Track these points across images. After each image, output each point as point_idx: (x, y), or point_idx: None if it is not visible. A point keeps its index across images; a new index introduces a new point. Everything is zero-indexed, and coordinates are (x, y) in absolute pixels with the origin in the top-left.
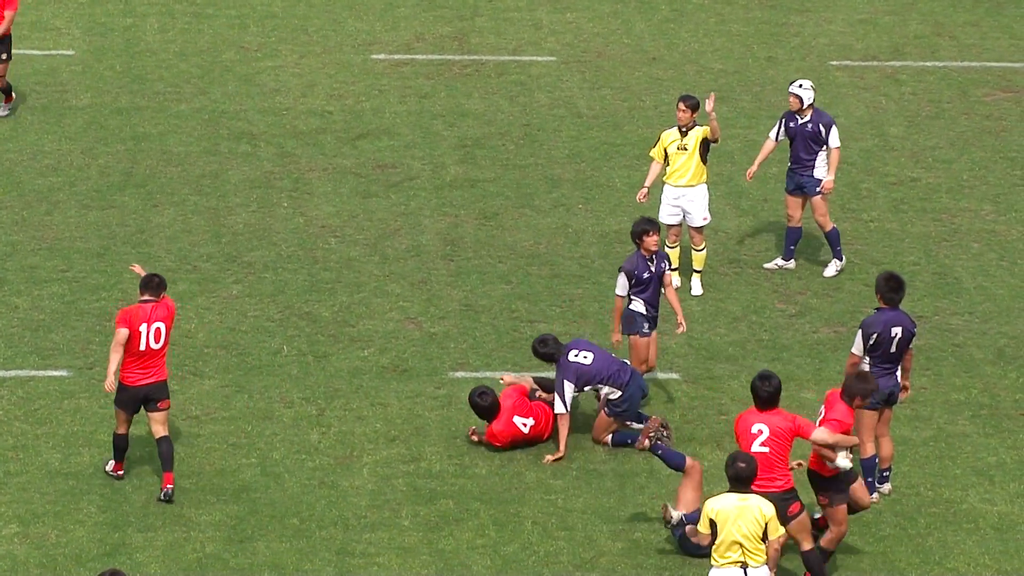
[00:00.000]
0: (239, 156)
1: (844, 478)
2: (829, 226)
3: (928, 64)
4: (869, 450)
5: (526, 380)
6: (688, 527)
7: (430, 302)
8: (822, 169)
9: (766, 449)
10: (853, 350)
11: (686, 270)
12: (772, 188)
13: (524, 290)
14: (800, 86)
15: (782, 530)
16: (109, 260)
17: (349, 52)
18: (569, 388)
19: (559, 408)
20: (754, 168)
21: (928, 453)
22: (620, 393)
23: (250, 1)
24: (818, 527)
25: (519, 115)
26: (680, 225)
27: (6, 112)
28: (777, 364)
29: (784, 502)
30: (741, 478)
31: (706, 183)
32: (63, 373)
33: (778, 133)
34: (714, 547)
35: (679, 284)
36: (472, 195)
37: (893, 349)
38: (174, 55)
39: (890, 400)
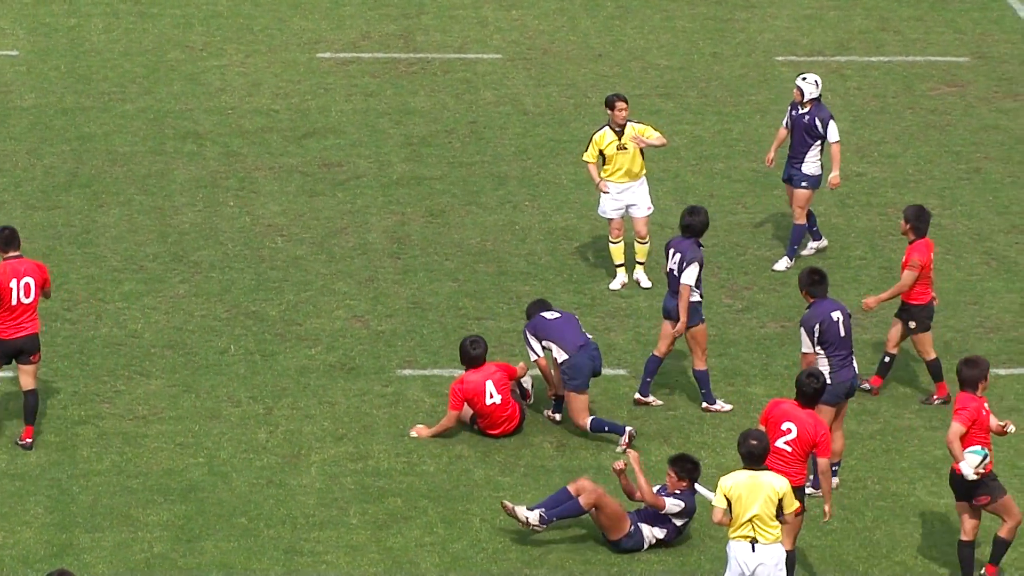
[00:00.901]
0: (185, 155)
1: (990, 474)
2: (800, 220)
3: (873, 59)
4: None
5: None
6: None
7: (377, 300)
8: (811, 164)
9: (788, 448)
10: (804, 350)
11: (631, 264)
12: (718, 183)
13: (471, 287)
14: (803, 79)
15: (797, 503)
16: (55, 260)
17: (295, 51)
18: (532, 338)
19: (531, 355)
20: (771, 154)
21: (875, 447)
22: (566, 357)
23: (195, 0)
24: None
25: (465, 112)
26: (623, 219)
27: None
28: (724, 359)
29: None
30: (754, 455)
31: (645, 173)
32: (9, 374)
33: (786, 122)
34: (731, 522)
35: (626, 280)
36: (419, 193)
37: (842, 333)
38: (119, 55)
39: (850, 393)
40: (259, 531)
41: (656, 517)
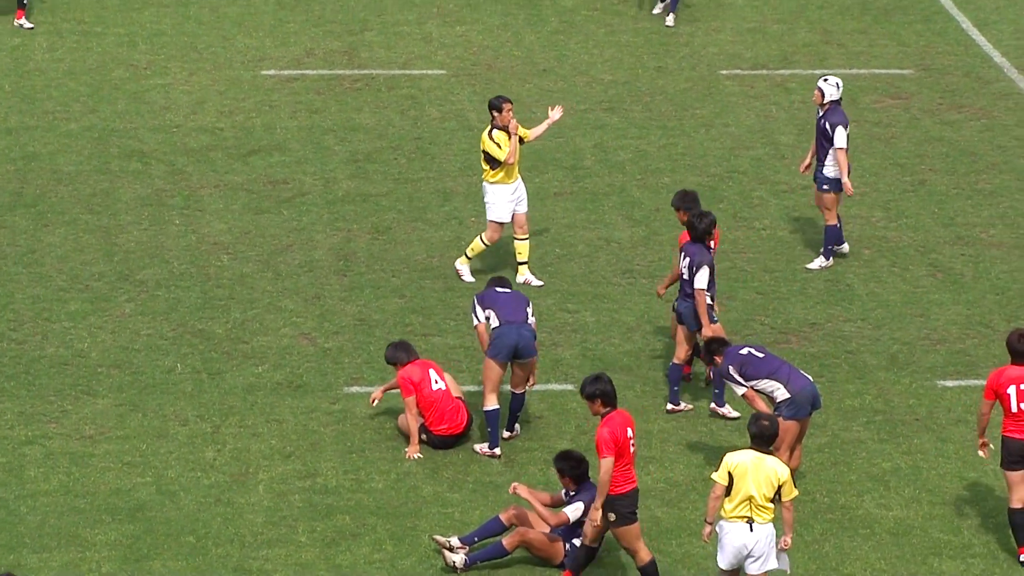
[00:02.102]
0: (130, 174)
1: None
2: (831, 221)
3: (817, 72)
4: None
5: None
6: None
7: (324, 317)
8: (830, 167)
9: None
10: (740, 393)
11: (515, 266)
12: (664, 198)
13: (418, 303)
14: (825, 80)
15: (795, 492)
16: (0, 280)
17: (239, 68)
18: (478, 305)
19: (473, 320)
20: (806, 160)
21: (823, 459)
22: (497, 325)
23: (139, 19)
24: None
25: (410, 128)
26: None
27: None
28: None
29: None
30: (764, 436)
31: None
32: None
33: None
34: (727, 499)
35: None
36: (364, 209)
37: (760, 355)
38: (63, 74)
39: (815, 403)
40: (207, 550)
41: (572, 530)
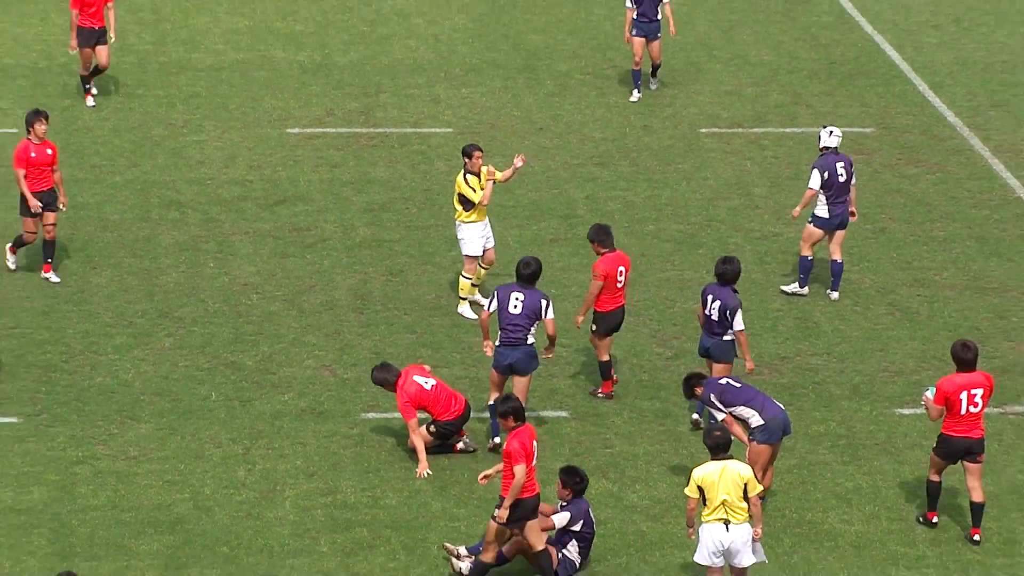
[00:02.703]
0: (169, 222)
1: None
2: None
3: (788, 130)
4: (765, 482)
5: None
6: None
7: (343, 351)
8: (820, 206)
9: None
10: (719, 418)
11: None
12: (648, 243)
13: (428, 338)
14: (823, 126)
15: (760, 487)
16: (53, 317)
17: (266, 127)
18: (492, 294)
19: (485, 305)
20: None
21: (792, 479)
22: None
23: (176, 82)
24: None
25: (420, 181)
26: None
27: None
28: (656, 401)
29: None
30: (720, 445)
31: None
32: (13, 420)
33: None
34: (704, 507)
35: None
36: (379, 254)
37: (737, 384)
38: (108, 132)
39: (785, 430)
40: (239, 559)
41: (559, 539)
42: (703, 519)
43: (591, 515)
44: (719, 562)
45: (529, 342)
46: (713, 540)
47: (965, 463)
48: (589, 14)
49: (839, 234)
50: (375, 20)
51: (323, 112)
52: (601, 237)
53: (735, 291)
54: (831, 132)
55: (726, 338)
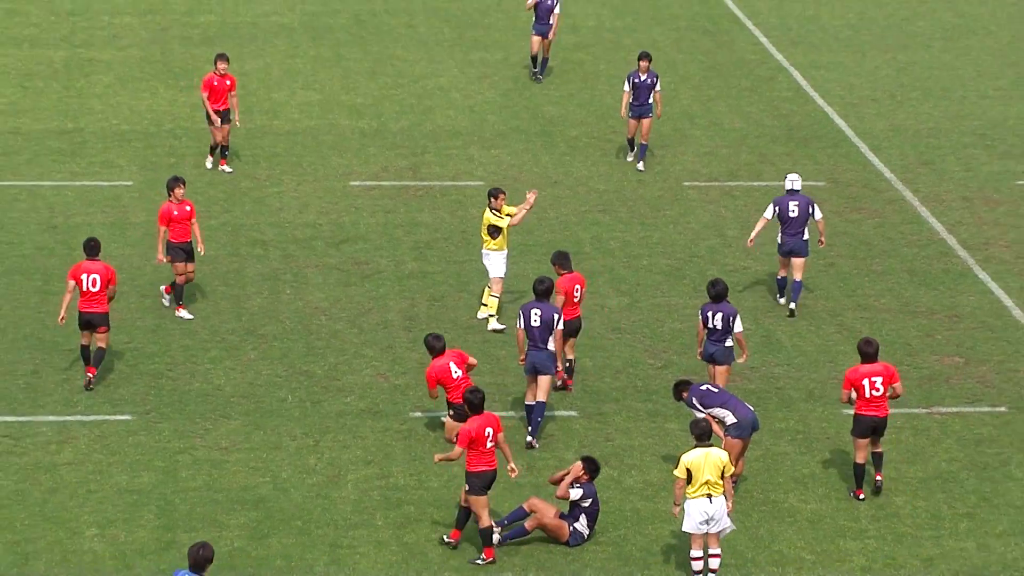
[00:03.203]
0: (254, 257)
1: None
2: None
3: (755, 184)
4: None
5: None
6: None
7: (394, 362)
8: (778, 236)
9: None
10: (699, 416)
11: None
12: (642, 275)
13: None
14: (786, 175)
15: (733, 468)
16: (160, 334)
17: (333, 180)
18: (521, 313)
19: (517, 323)
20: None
21: (759, 467)
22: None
23: (260, 144)
24: None
25: (458, 224)
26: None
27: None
28: (648, 403)
29: None
30: (705, 433)
31: None
32: (127, 417)
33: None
34: (690, 485)
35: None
36: (424, 283)
37: (715, 389)
38: (205, 184)
39: (754, 427)
40: (311, 531)
41: (572, 514)
42: (689, 495)
43: (597, 496)
44: (703, 528)
45: (549, 348)
46: (700, 511)
47: (872, 439)
48: (594, 90)
49: (796, 261)
50: (421, 94)
51: (379, 168)
52: (561, 261)
53: (728, 303)
54: (792, 180)
55: (728, 344)
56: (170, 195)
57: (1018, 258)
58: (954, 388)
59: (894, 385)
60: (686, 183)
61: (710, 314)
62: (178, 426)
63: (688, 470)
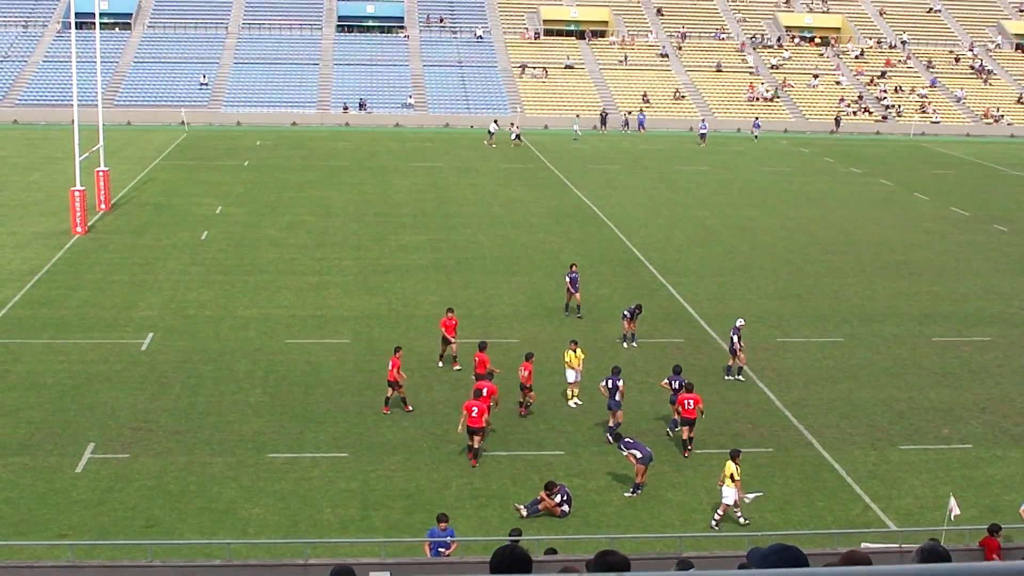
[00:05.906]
0: None
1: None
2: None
3: None
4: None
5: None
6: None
7: None
8: None
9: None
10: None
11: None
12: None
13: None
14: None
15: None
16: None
17: None
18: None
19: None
20: None
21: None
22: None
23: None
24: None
25: None
26: None
27: None
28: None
29: None
30: (735, 454)
31: None
32: (345, 455)
33: None
34: (729, 480)
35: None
36: None
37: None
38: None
39: (651, 460)
40: (447, 508)
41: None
42: (727, 484)
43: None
44: (731, 497)
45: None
46: (733, 493)
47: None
48: None
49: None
50: None
51: None
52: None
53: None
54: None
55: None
56: None
57: None
58: None
59: None
60: None
61: (674, 381)
62: (425, 421)
63: (732, 474)
